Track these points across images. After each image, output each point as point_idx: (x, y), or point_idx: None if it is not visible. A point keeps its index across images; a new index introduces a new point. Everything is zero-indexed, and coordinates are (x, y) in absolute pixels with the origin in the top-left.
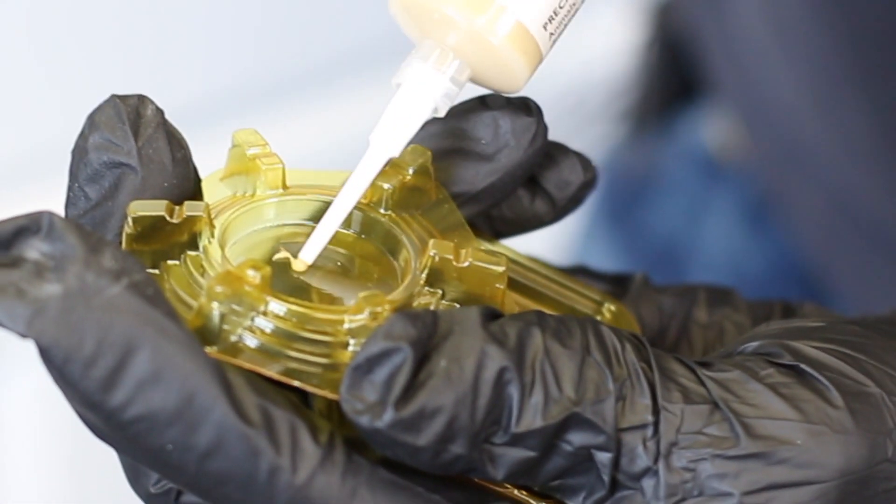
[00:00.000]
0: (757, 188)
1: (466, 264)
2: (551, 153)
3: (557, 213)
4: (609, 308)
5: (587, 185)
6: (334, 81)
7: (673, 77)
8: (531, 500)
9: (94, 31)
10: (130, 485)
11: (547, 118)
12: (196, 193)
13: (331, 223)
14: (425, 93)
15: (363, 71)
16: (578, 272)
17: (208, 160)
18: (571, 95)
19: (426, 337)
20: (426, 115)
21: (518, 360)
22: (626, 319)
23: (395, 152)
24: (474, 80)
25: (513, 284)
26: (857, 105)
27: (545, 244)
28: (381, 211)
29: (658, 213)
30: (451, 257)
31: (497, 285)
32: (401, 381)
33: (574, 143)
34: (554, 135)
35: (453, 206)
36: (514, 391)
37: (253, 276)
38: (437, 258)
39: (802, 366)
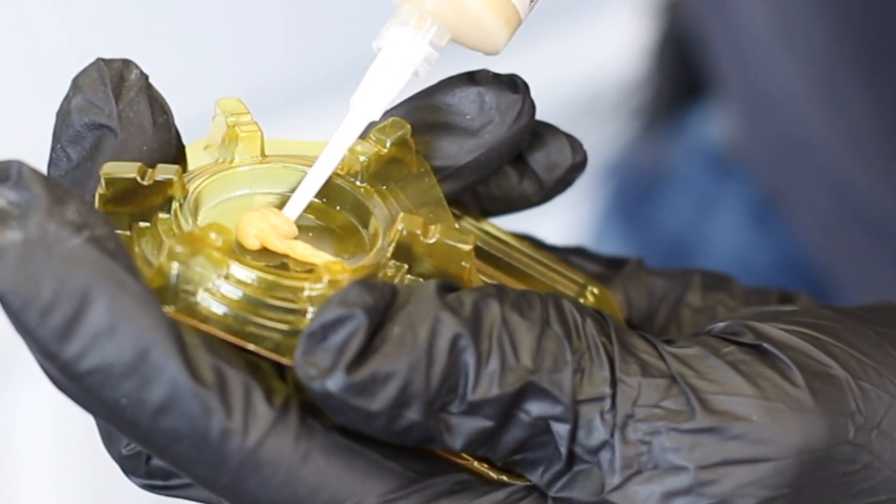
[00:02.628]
0: (762, 185)
1: (433, 240)
2: (540, 133)
3: (545, 194)
4: (592, 291)
5: (576, 168)
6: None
7: (682, 75)
8: (491, 473)
9: (95, 41)
10: (105, 446)
11: (560, 116)
12: (179, 159)
13: (310, 187)
14: (405, 56)
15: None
16: (576, 253)
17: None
18: (584, 95)
19: (382, 305)
20: (406, 79)
21: (474, 328)
22: (608, 302)
23: (375, 115)
24: (455, 42)
25: (495, 262)
26: (862, 103)
27: (557, 237)
28: (357, 183)
29: (667, 210)
30: (418, 232)
31: (463, 263)
32: (354, 346)
33: (587, 141)
34: (568, 131)
35: (434, 180)
36: (469, 359)
37: (215, 238)
38: (404, 232)
39: (765, 345)
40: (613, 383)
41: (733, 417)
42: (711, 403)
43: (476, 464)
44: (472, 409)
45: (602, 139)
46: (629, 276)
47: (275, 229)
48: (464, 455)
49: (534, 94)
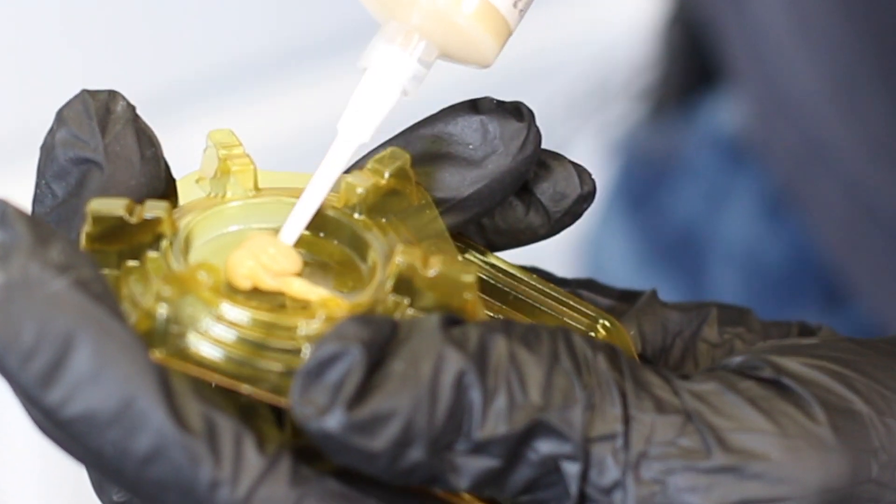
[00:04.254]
0: (775, 180)
1: (434, 272)
2: (547, 163)
3: (553, 226)
4: (604, 324)
5: (584, 199)
6: (305, 65)
7: (693, 60)
8: None
9: (54, 20)
10: (96, 493)
11: (567, 97)
12: (169, 193)
13: (301, 216)
14: (392, 75)
15: (337, 54)
16: (586, 286)
17: (176, 145)
18: (593, 75)
19: (381, 340)
20: (395, 98)
21: (480, 363)
22: (621, 336)
23: (365, 138)
24: (444, 57)
25: (502, 297)
26: (880, 102)
27: (562, 231)
28: (355, 216)
29: (677, 198)
30: (418, 265)
31: (465, 295)
32: (352, 382)
33: (594, 123)
34: (575, 113)
35: (435, 213)
36: (475, 396)
37: (205, 277)
38: (403, 265)
39: (784, 380)
40: (626, 420)
41: (751, 456)
42: (729, 441)
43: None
44: (479, 449)
45: (610, 120)
46: (643, 310)
47: (267, 266)
48: (468, 497)
49: (541, 73)
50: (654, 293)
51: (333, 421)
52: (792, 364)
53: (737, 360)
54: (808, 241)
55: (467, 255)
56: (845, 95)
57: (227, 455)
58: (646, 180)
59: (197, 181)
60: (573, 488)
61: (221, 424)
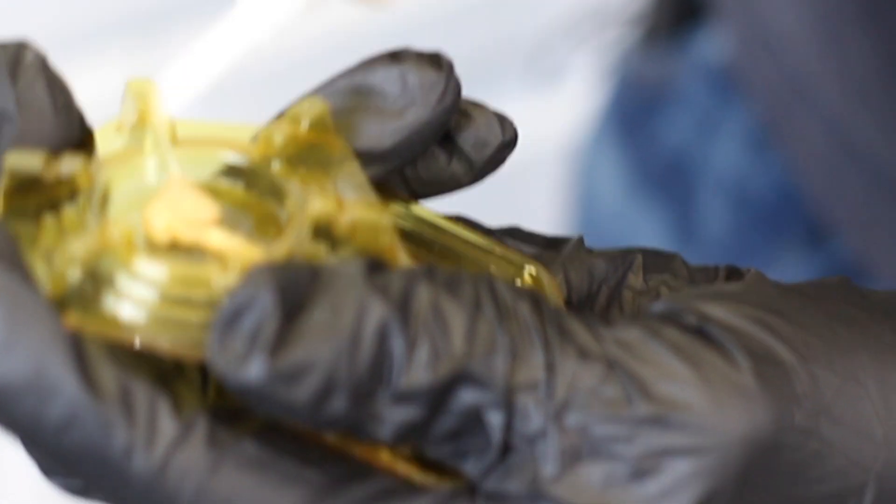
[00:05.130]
0: (758, 116)
1: (349, 218)
2: (468, 112)
3: (476, 174)
4: (529, 272)
5: (506, 146)
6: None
7: None
8: (415, 475)
9: None
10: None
11: (565, 21)
12: (86, 143)
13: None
14: None
15: None
16: (512, 234)
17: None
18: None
19: (295, 284)
20: None
21: (402, 312)
22: (546, 284)
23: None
24: None
25: (427, 246)
26: (861, 38)
27: (550, 142)
28: (274, 167)
29: (669, 125)
30: (333, 212)
31: (383, 239)
32: (268, 330)
33: (590, 47)
34: (572, 37)
35: (356, 163)
36: (398, 345)
37: (119, 233)
38: (320, 213)
39: (708, 327)
40: (549, 368)
41: (674, 405)
42: (651, 390)
43: (401, 466)
44: (402, 398)
45: (605, 45)
46: (569, 257)
47: (184, 218)
48: (388, 458)
49: None
50: (580, 240)
51: (253, 371)
52: (716, 311)
53: (661, 306)
54: (792, 177)
55: (392, 207)
56: (828, 33)
57: (140, 421)
58: (638, 106)
59: (115, 130)
60: (496, 438)
61: (136, 389)
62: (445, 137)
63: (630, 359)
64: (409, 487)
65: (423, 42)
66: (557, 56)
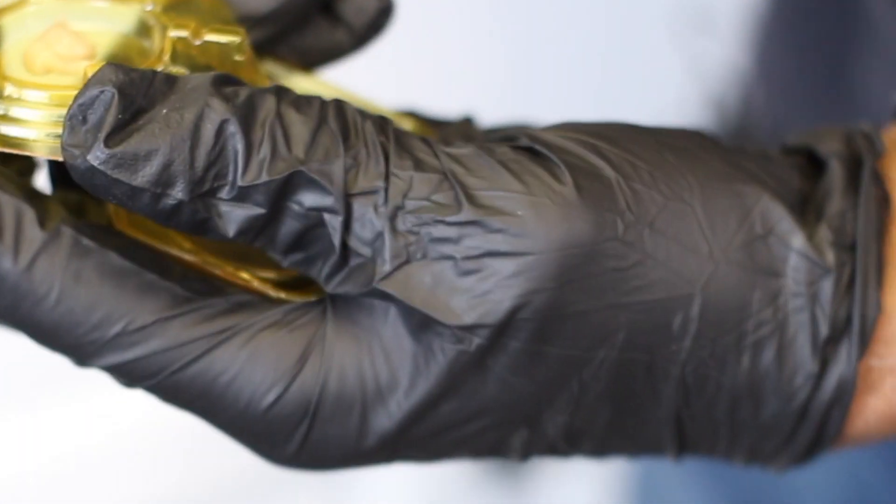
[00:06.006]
0: None
1: (203, 40)
2: None
3: (357, 40)
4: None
5: (385, 12)
6: None
7: None
8: (270, 291)
9: None
10: None
11: None
12: None
13: None
14: None
15: None
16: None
17: None
18: None
19: (139, 83)
20: None
21: (245, 116)
22: (401, 122)
23: None
24: None
25: None
26: None
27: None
28: (147, 8)
29: None
30: (188, 34)
31: (236, 57)
32: (109, 119)
33: None
34: None
35: (226, 9)
36: (238, 145)
37: (4, 68)
38: (177, 37)
39: (537, 147)
40: (387, 177)
41: (497, 212)
42: (478, 198)
43: (257, 284)
44: (242, 196)
45: None
46: (453, 129)
47: (61, 55)
48: (245, 276)
49: None
50: (469, 118)
51: (94, 156)
52: (547, 135)
53: (499, 134)
54: None
55: (291, 78)
56: None
57: (8, 229)
58: None
59: None
60: (336, 240)
61: (3, 202)
62: (326, 7)
63: (462, 171)
64: (263, 301)
65: None
66: None
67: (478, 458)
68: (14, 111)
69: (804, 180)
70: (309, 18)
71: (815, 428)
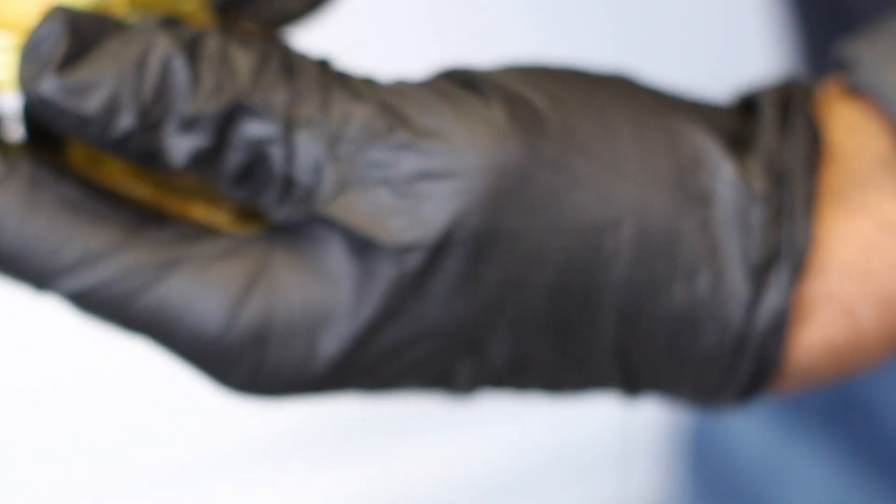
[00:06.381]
0: None
1: None
2: None
3: (308, 4)
4: None
5: None
6: None
7: None
8: (220, 223)
9: None
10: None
11: None
12: None
13: None
14: None
15: None
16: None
17: None
18: None
19: (92, 25)
20: None
21: (191, 51)
22: None
23: None
24: None
25: None
26: None
27: None
28: None
29: None
30: None
31: (187, 7)
32: (58, 51)
33: None
34: None
35: None
36: (183, 78)
37: None
38: None
39: (472, 80)
40: (327, 107)
41: (430, 133)
42: (412, 122)
43: (207, 216)
44: (188, 126)
45: None
46: None
47: (23, 7)
48: (196, 210)
49: None
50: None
51: (45, 86)
52: (482, 72)
53: (442, 71)
54: None
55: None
56: None
57: None
58: None
59: None
60: (279, 169)
61: None
62: None
63: (398, 100)
64: (212, 232)
65: None
66: None
67: (425, 388)
68: None
69: (737, 121)
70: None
71: (753, 358)
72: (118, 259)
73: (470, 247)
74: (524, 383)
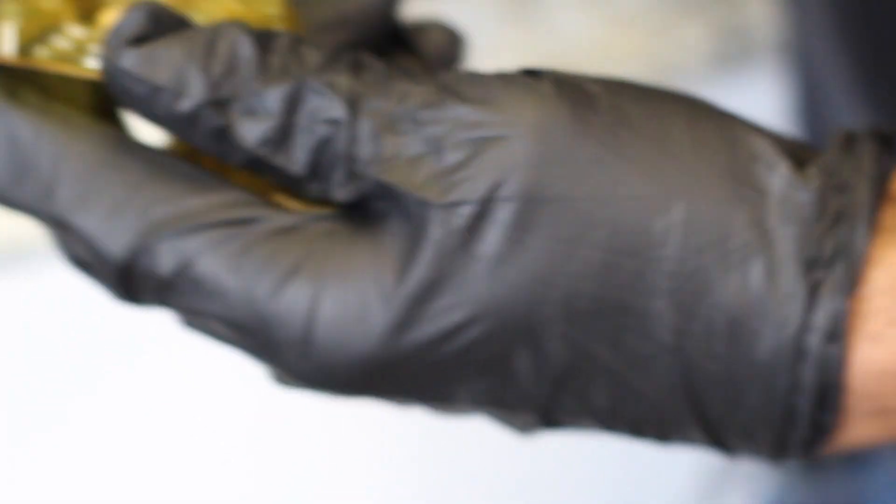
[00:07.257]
0: None
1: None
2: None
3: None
4: None
5: (456, 43)
6: None
7: None
8: (290, 203)
9: None
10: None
11: None
12: None
13: None
14: None
15: None
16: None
17: None
18: None
19: (170, 14)
20: None
21: (261, 40)
22: None
23: None
24: None
25: None
26: None
27: None
28: None
29: None
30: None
31: (269, 10)
32: (137, 28)
33: None
34: None
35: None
36: (252, 62)
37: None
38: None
39: (531, 71)
40: (388, 87)
41: (482, 102)
42: (465, 94)
43: (279, 197)
44: (255, 108)
45: None
46: None
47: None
48: (280, 197)
49: None
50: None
51: (123, 57)
52: (538, 71)
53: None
54: None
55: None
56: None
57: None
58: None
59: None
60: (342, 149)
61: None
62: (399, 39)
63: (454, 80)
64: (278, 206)
65: None
66: None
67: (484, 378)
68: (57, 42)
69: (799, 146)
70: (384, 49)
71: (814, 366)
72: (189, 209)
73: (515, 207)
74: (584, 383)
